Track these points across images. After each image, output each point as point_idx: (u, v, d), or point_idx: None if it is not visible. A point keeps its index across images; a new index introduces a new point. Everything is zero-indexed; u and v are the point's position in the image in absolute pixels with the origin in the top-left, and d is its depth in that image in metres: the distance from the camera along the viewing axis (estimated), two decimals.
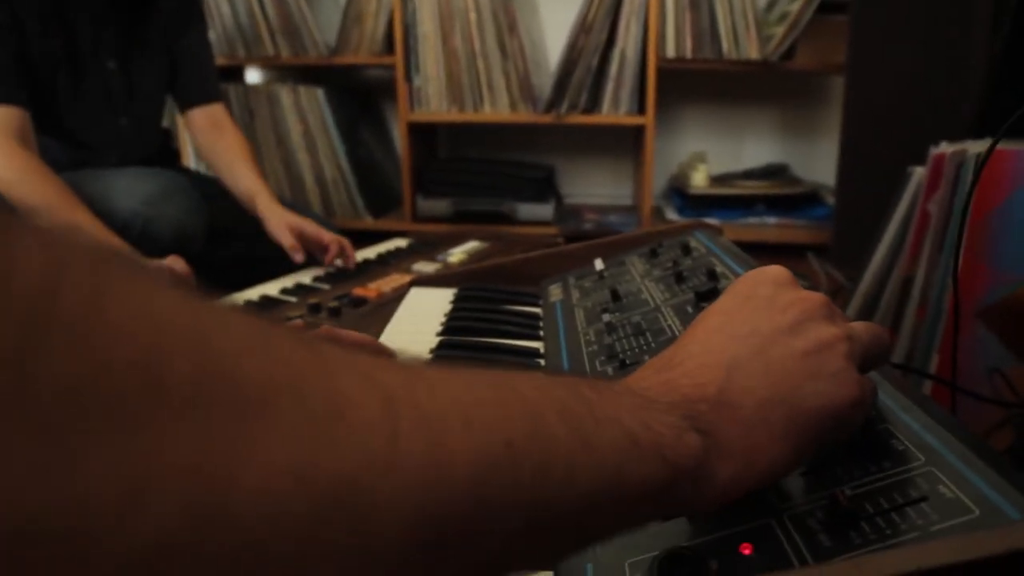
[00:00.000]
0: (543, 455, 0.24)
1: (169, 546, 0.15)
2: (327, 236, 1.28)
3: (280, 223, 1.28)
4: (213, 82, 1.50)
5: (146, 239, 1.18)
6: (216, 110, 1.47)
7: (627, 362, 0.56)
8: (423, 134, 2.18)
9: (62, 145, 1.33)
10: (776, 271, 0.36)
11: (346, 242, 1.30)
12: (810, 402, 0.31)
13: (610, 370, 0.57)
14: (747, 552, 0.32)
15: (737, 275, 0.62)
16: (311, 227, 1.29)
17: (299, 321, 1.02)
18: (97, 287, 0.16)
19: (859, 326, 0.35)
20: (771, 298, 0.34)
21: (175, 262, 1.10)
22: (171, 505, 0.15)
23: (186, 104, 1.47)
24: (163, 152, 1.53)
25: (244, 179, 1.36)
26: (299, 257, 1.24)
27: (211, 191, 1.42)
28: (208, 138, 1.44)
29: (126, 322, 0.16)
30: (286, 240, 1.26)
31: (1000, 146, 0.67)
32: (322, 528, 0.18)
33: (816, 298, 0.34)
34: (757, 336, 0.32)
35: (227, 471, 0.16)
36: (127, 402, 0.15)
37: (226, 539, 0.16)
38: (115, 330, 0.15)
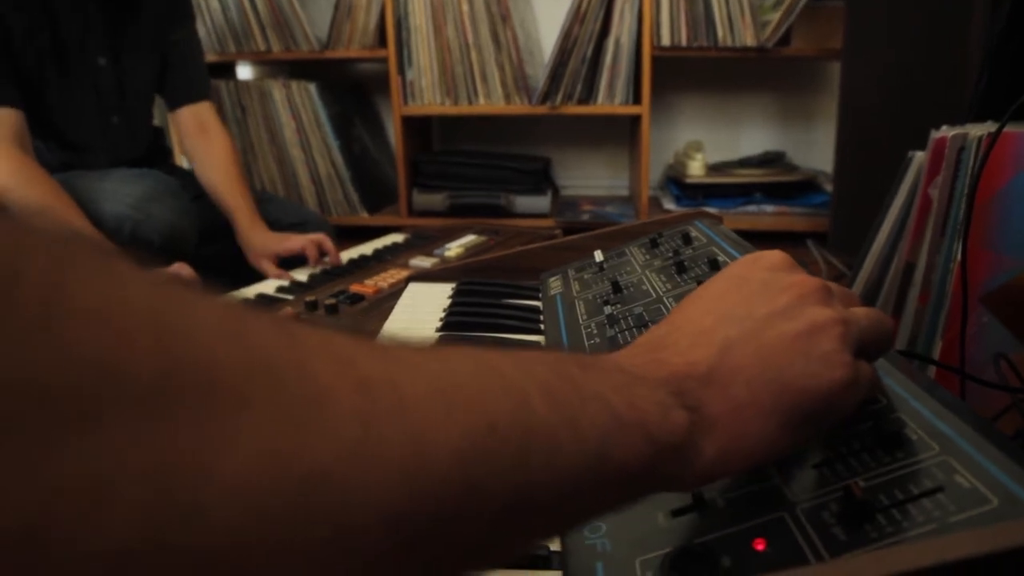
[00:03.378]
0: (526, 436, 0.23)
1: (137, 549, 0.15)
2: (297, 244, 1.28)
3: (256, 257, 1.30)
4: (202, 80, 1.48)
5: (136, 242, 1.17)
6: (203, 110, 1.45)
7: None
8: (417, 127, 2.16)
9: (51, 146, 1.32)
10: (774, 255, 0.36)
11: (320, 238, 1.30)
12: (800, 382, 0.30)
13: None
14: (760, 548, 0.32)
15: None
16: (282, 246, 1.30)
17: (288, 310, 1.01)
18: (61, 273, 0.15)
19: (860, 311, 0.34)
20: (766, 281, 0.33)
21: (182, 268, 1.10)
22: (138, 506, 0.15)
23: (174, 103, 1.45)
24: (154, 151, 1.51)
25: (224, 197, 1.37)
26: (287, 281, 1.25)
27: (202, 190, 1.41)
28: (193, 143, 1.43)
29: (89, 310, 0.15)
30: (269, 272, 1.27)
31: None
32: (299, 523, 0.17)
33: (812, 282, 0.33)
34: (750, 318, 0.32)
35: (197, 467, 0.16)
36: (90, 396, 0.14)
37: (198, 539, 0.15)
38: (78, 318, 0.15)
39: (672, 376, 0.30)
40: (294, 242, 1.29)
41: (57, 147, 1.33)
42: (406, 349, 0.23)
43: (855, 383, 0.31)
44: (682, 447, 0.28)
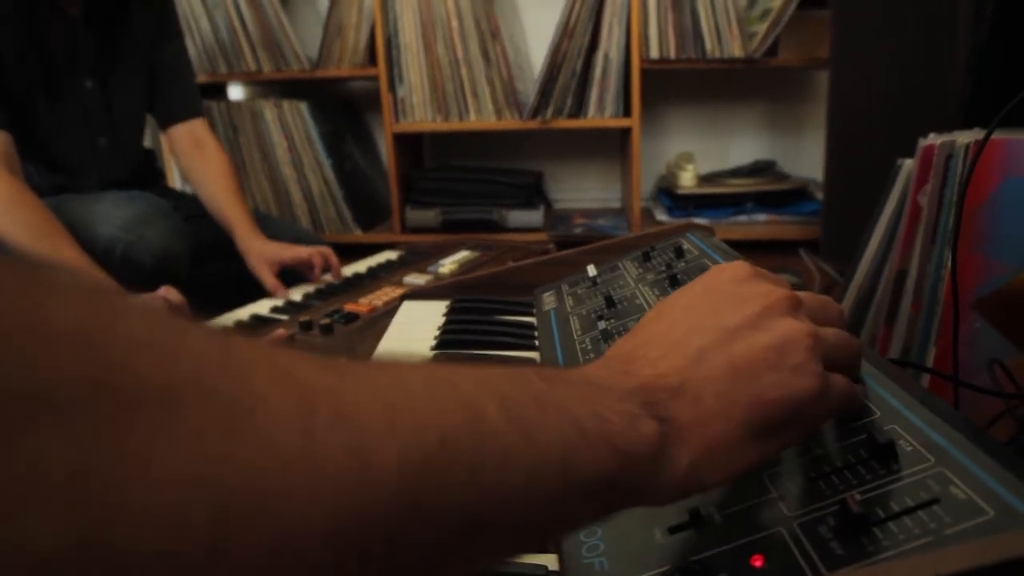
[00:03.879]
0: (479, 450, 0.23)
1: (60, 552, 0.14)
2: (305, 253, 1.28)
3: (259, 261, 1.28)
4: (193, 97, 1.48)
5: (127, 265, 1.17)
6: (197, 126, 1.45)
7: None
8: (409, 144, 2.17)
9: (41, 169, 1.32)
10: (739, 266, 0.36)
11: (327, 251, 1.30)
12: (771, 393, 0.30)
13: None
14: (758, 564, 0.32)
15: None
16: (288, 253, 1.28)
17: (281, 331, 1.01)
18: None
19: (828, 330, 0.35)
20: (734, 293, 0.34)
21: (169, 292, 1.09)
22: (55, 519, 0.14)
23: (166, 121, 1.45)
24: (146, 173, 1.51)
25: (223, 209, 1.36)
26: (282, 294, 1.24)
27: (196, 211, 1.40)
28: (189, 160, 1.43)
29: (17, 319, 0.15)
30: (267, 280, 1.26)
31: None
32: (230, 538, 0.17)
33: (779, 292, 0.34)
34: (720, 329, 0.32)
35: (120, 475, 0.15)
36: (17, 402, 0.14)
37: (121, 547, 0.15)
38: (3, 327, 0.15)
39: (641, 387, 0.30)
40: (301, 251, 1.28)
41: (47, 170, 1.33)
42: (353, 363, 0.22)
43: (825, 394, 0.32)
44: (653, 458, 0.28)
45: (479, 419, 0.23)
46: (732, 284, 0.34)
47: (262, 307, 1.19)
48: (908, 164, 0.90)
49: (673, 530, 0.36)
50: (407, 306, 0.82)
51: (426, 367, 0.24)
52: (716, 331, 0.32)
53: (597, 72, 1.92)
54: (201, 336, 0.18)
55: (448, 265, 1.34)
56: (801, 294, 0.35)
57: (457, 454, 0.22)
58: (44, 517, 0.14)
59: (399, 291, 1.13)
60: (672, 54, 1.91)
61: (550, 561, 0.40)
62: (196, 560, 0.16)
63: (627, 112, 1.95)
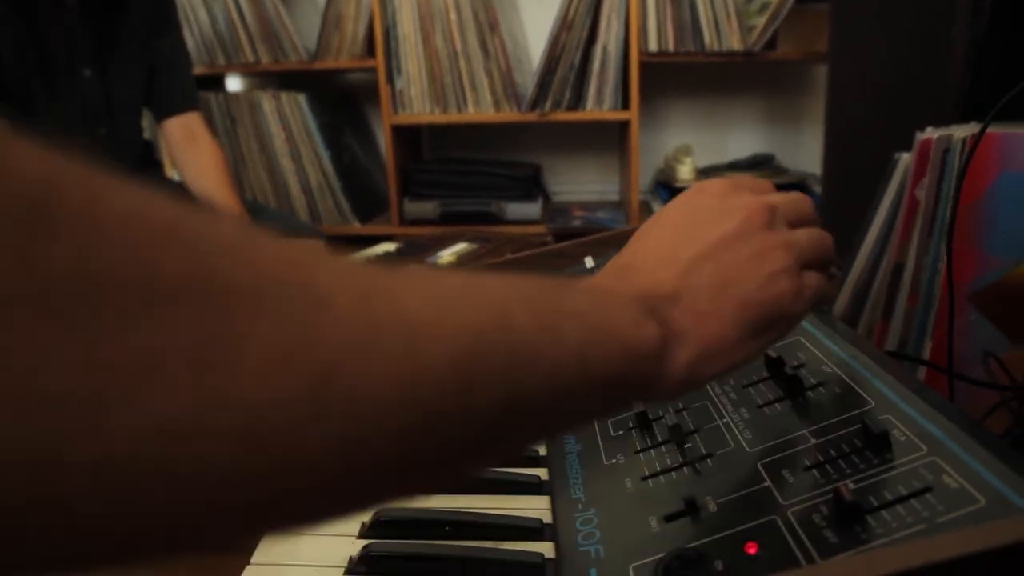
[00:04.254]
0: (512, 344, 0.25)
1: (179, 421, 0.17)
2: None
3: None
4: (190, 90, 1.48)
5: None
6: (192, 120, 1.45)
7: None
8: (407, 136, 2.16)
9: None
10: (718, 182, 0.39)
11: (322, 245, 1.30)
12: (756, 295, 0.34)
13: None
14: (752, 551, 0.32)
15: None
16: None
17: None
18: (94, 188, 0.17)
19: (801, 232, 0.38)
20: (717, 208, 0.37)
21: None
22: (180, 386, 0.17)
23: (162, 114, 1.45)
24: (145, 164, 1.51)
25: (216, 202, 1.36)
26: None
27: (193, 202, 1.40)
28: (182, 153, 1.42)
29: (122, 220, 0.17)
30: None
31: (986, 130, 0.67)
32: (315, 411, 0.19)
33: (757, 204, 0.37)
34: (705, 242, 0.35)
35: (227, 357, 0.18)
36: (127, 291, 0.16)
37: (230, 421, 0.18)
38: (112, 225, 0.17)
39: (642, 295, 0.33)
40: None
41: None
42: (400, 269, 0.25)
43: (800, 294, 0.36)
44: (656, 356, 0.31)
45: (509, 318, 0.26)
46: (714, 199, 0.38)
47: None
48: (905, 158, 0.91)
49: (668, 518, 0.36)
50: None
51: (460, 273, 0.27)
52: (702, 243, 0.35)
53: (596, 65, 1.92)
54: (270, 241, 0.21)
55: (446, 257, 1.34)
56: (777, 197, 0.39)
57: (493, 347, 0.25)
58: (166, 389, 0.17)
59: None
60: (671, 47, 1.90)
61: (547, 549, 0.41)
62: (291, 430, 0.19)
63: (625, 105, 1.95)
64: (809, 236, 0.39)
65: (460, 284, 0.26)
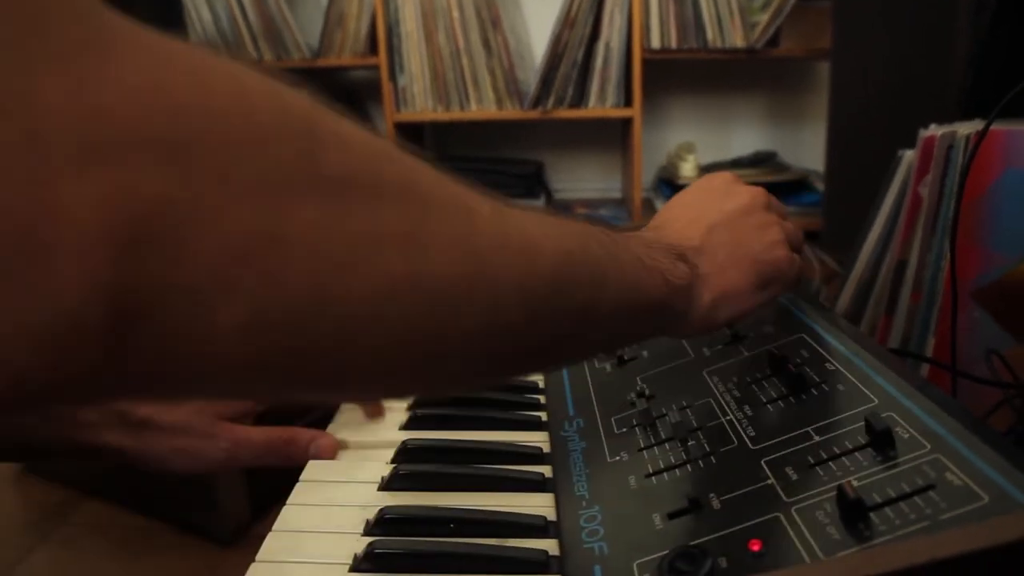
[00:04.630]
0: (590, 265, 0.32)
1: (401, 285, 0.23)
2: None
3: None
4: None
5: None
6: None
7: (625, 358, 0.56)
8: (410, 134, 2.16)
9: None
10: (725, 175, 0.48)
11: None
12: (763, 255, 0.43)
13: (608, 366, 0.56)
14: (756, 548, 0.32)
15: None
16: None
17: None
18: (335, 117, 0.24)
19: (788, 223, 0.48)
20: (728, 190, 0.46)
21: None
22: (394, 257, 0.23)
23: None
24: None
25: None
26: None
27: None
28: None
29: (358, 138, 0.24)
30: None
31: (990, 126, 0.67)
32: (472, 286, 0.26)
33: (758, 191, 0.47)
34: (722, 212, 0.44)
35: (419, 242, 0.24)
36: (367, 189, 0.23)
37: (430, 285, 0.24)
38: (354, 142, 0.24)
39: (674, 245, 0.40)
40: None
41: None
42: (496, 199, 0.31)
43: (793, 262, 0.46)
44: (688, 289, 0.39)
45: (588, 247, 0.33)
46: (725, 183, 0.47)
47: None
48: (909, 155, 0.91)
49: (672, 515, 0.36)
50: None
51: (550, 210, 0.34)
52: (720, 213, 0.44)
53: (598, 62, 1.92)
54: (402, 153, 0.26)
55: None
56: (766, 193, 0.48)
57: (579, 264, 0.32)
58: (389, 258, 0.23)
59: None
60: (673, 44, 1.90)
61: (551, 546, 0.41)
62: (470, 291, 0.26)
63: (628, 102, 1.95)
64: (792, 224, 0.49)
65: (552, 218, 0.32)
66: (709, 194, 0.46)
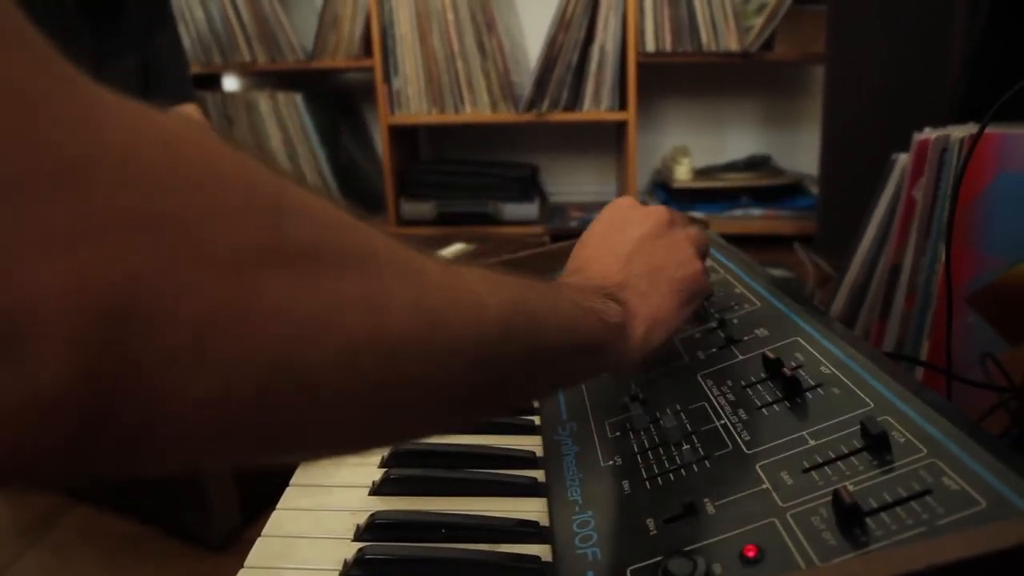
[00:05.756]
0: (531, 314, 0.34)
1: (365, 346, 0.25)
2: None
3: None
4: (185, 84, 1.48)
5: None
6: (189, 111, 1.44)
7: None
8: (404, 136, 2.16)
9: None
10: (624, 202, 0.51)
11: None
12: (678, 274, 0.46)
13: None
14: (751, 554, 0.32)
15: (726, 268, 0.62)
16: None
17: None
18: (300, 190, 0.24)
19: (691, 229, 0.51)
20: (631, 217, 0.49)
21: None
22: (356, 319, 0.24)
23: (158, 107, 1.44)
24: None
25: None
26: None
27: None
28: None
29: (321, 210, 0.25)
30: None
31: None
32: (428, 341, 0.27)
33: (661, 211, 0.49)
34: (632, 241, 0.47)
35: (383, 304, 0.25)
36: (329, 257, 0.24)
37: (383, 347, 0.25)
38: (318, 214, 0.25)
39: (600, 286, 0.43)
40: None
41: None
42: (448, 260, 0.33)
43: (706, 273, 0.49)
44: (622, 326, 0.41)
45: (528, 298, 0.35)
46: (627, 211, 0.50)
47: None
48: (903, 158, 0.91)
49: (667, 521, 0.36)
50: None
51: (485, 268, 0.34)
52: (631, 243, 0.46)
53: (593, 65, 1.92)
54: (355, 220, 0.27)
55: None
56: (667, 210, 0.50)
57: (521, 314, 0.33)
58: (340, 333, 0.23)
59: None
60: (668, 47, 1.90)
61: (544, 552, 0.40)
62: (425, 354, 0.27)
63: (623, 105, 1.95)
64: (697, 232, 0.51)
65: (493, 273, 0.34)
66: (615, 225, 0.49)
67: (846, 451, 0.35)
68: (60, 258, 0.17)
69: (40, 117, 0.17)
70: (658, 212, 0.49)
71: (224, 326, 0.20)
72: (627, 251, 0.46)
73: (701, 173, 2.11)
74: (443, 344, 0.28)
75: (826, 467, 0.35)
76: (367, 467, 0.51)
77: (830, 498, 0.32)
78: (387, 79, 2.00)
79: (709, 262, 0.63)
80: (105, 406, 0.18)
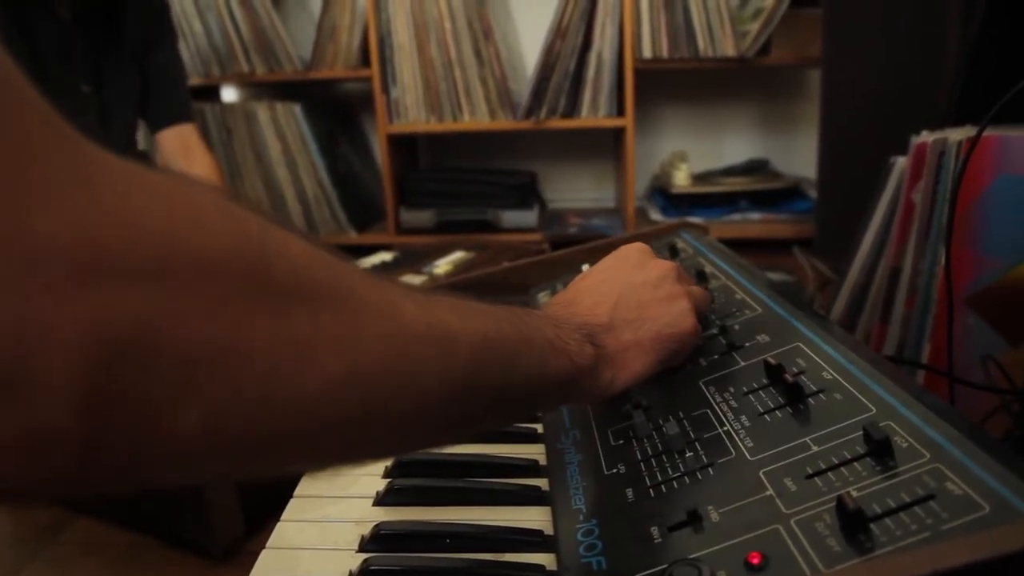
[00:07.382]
0: (503, 347, 0.36)
1: (360, 375, 0.27)
2: None
3: None
4: (185, 101, 1.48)
5: None
6: (187, 131, 1.45)
7: None
8: (403, 145, 2.16)
9: None
10: (639, 246, 0.52)
11: None
12: (667, 330, 0.46)
13: None
14: (756, 561, 0.32)
15: (726, 274, 0.62)
16: None
17: None
18: (280, 232, 0.26)
19: (694, 288, 0.52)
20: (639, 262, 0.49)
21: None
22: (329, 355, 0.26)
23: (156, 125, 1.45)
24: None
25: None
26: None
27: None
28: (177, 165, 1.42)
29: (302, 252, 0.27)
30: None
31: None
32: (402, 373, 0.29)
33: (669, 265, 0.50)
34: (631, 285, 0.47)
35: (353, 343, 0.27)
36: (308, 298, 0.26)
37: (360, 379, 0.27)
38: (298, 258, 0.26)
39: (583, 324, 0.43)
40: None
41: None
42: (422, 291, 0.34)
43: (697, 330, 0.48)
44: (591, 369, 0.42)
45: (501, 329, 0.36)
46: (638, 256, 0.50)
47: None
48: (901, 162, 0.91)
49: (671, 528, 0.36)
50: None
51: (459, 296, 0.35)
52: (629, 287, 0.47)
53: (590, 72, 1.92)
54: (336, 258, 0.29)
55: (443, 266, 1.34)
56: (676, 266, 0.51)
57: (492, 348, 0.35)
58: (317, 370, 0.25)
59: None
60: (665, 53, 1.91)
61: (548, 561, 0.40)
62: (395, 386, 0.29)
63: (620, 112, 1.95)
64: (700, 292, 0.52)
65: (465, 303, 0.35)
66: (620, 267, 0.49)
67: (849, 457, 0.35)
68: (74, 299, 0.19)
69: (48, 180, 0.19)
70: (666, 265, 0.49)
71: (211, 360, 0.22)
72: (621, 294, 0.46)
73: (699, 178, 2.12)
74: (414, 380, 0.30)
75: (829, 473, 0.35)
76: (371, 477, 0.51)
77: (834, 504, 0.32)
78: (385, 88, 2.00)
79: (709, 268, 0.63)
80: (100, 432, 0.20)
